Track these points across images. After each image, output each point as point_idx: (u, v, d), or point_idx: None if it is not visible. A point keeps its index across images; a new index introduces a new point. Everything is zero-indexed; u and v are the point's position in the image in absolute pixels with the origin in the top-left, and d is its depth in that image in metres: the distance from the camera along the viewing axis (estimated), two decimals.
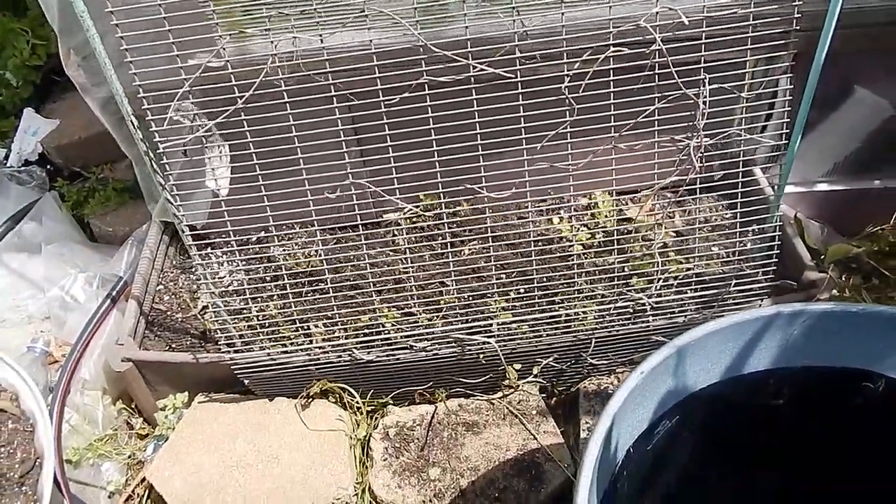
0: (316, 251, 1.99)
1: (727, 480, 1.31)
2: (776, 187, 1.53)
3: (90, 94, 1.82)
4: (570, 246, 1.93)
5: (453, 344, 1.70)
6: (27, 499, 1.29)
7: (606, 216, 2.02)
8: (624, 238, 1.90)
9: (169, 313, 2.04)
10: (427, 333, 1.69)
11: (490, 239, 1.62)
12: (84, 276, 2.20)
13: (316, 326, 1.80)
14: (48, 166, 2.69)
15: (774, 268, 1.63)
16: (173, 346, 1.92)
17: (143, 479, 1.77)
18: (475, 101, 1.42)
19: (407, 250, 1.68)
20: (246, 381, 1.76)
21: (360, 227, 1.70)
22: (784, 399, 1.19)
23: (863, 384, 1.15)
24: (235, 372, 1.71)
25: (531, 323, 1.74)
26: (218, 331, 1.70)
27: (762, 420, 1.22)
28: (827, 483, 1.28)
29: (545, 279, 1.80)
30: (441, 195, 1.54)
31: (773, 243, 1.61)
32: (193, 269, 2.16)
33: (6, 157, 2.74)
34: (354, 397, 1.80)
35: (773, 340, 1.12)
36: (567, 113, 1.42)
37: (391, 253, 1.95)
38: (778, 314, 1.08)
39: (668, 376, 1.08)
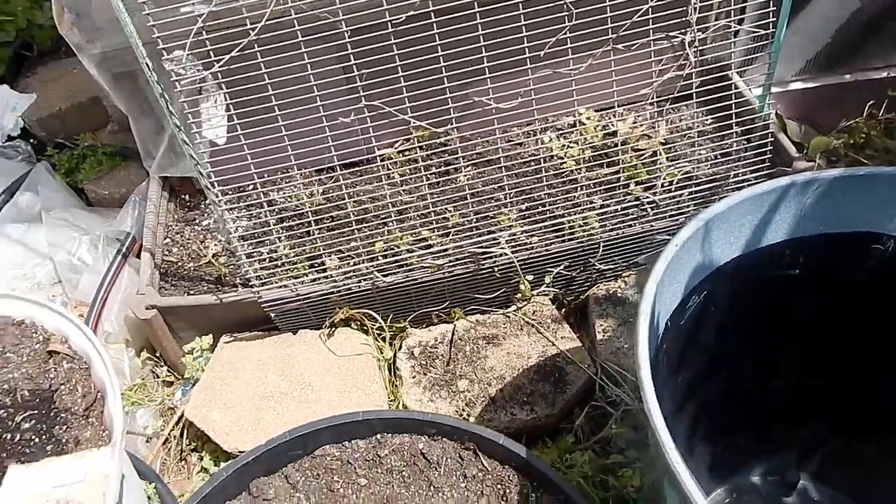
0: (315, 192, 2.04)
1: (750, 355, 1.40)
2: (766, 77, 1.60)
3: (85, 51, 1.82)
4: (562, 162, 2.00)
5: (469, 259, 1.77)
6: (94, 430, 1.34)
7: (594, 130, 2.08)
8: (614, 150, 1.97)
9: (180, 264, 2.07)
10: (442, 251, 1.75)
11: (488, 162, 1.68)
12: (88, 238, 2.21)
13: (330, 259, 1.84)
14: (31, 140, 2.67)
15: (770, 156, 1.72)
16: (190, 293, 1.95)
17: (179, 421, 1.82)
18: (478, 24, 1.46)
19: (404, 182, 1.73)
20: (272, 315, 1.80)
21: (362, 162, 1.76)
22: (800, 269, 1.28)
23: (873, 247, 1.24)
24: (263, 307, 1.76)
25: (539, 234, 1.81)
26: (248, 271, 1.74)
27: (781, 292, 1.31)
28: (843, 349, 1.38)
29: (545, 196, 1.86)
30: (435, 125, 1.59)
31: (766, 132, 1.69)
32: (198, 221, 2.20)
33: None
34: (377, 322, 1.86)
35: (788, 211, 1.20)
36: (566, 19, 1.47)
37: (388, 187, 2.00)
38: (792, 183, 1.16)
39: (697, 251, 1.15)
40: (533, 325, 1.88)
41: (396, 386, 1.81)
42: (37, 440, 1.34)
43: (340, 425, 1.29)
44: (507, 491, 1.23)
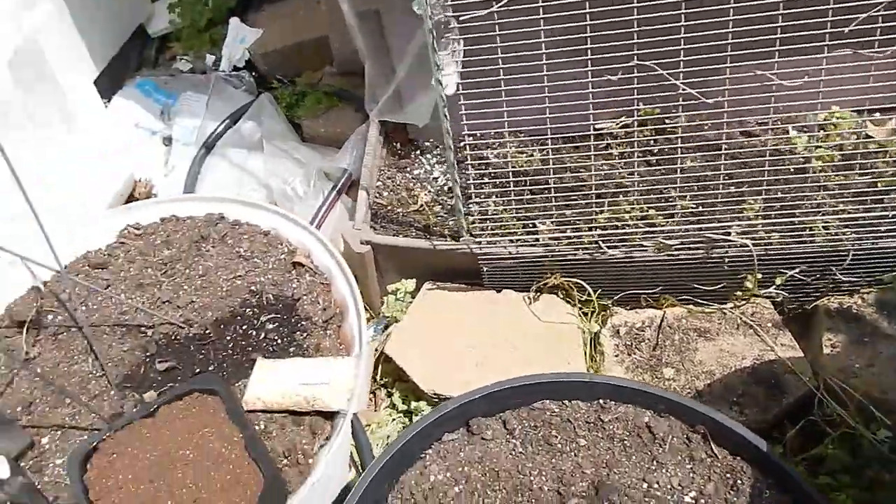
0: (536, 157, 2.00)
1: None
2: None
3: None
4: (805, 160, 1.85)
5: (700, 245, 1.67)
6: (332, 341, 1.38)
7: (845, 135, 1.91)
8: (868, 155, 1.80)
9: (390, 207, 2.10)
10: (675, 232, 1.66)
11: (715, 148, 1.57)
12: (303, 170, 2.30)
13: (544, 224, 1.80)
14: (253, 73, 2.82)
15: None
16: (397, 236, 1.98)
17: (379, 356, 1.85)
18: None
19: (625, 161, 1.65)
20: (484, 269, 1.79)
21: (578, 137, 1.71)
22: None
23: None
24: (479, 259, 1.75)
25: (781, 231, 1.68)
26: (463, 224, 1.73)
27: None
28: None
29: (784, 193, 1.72)
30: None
31: None
32: (409, 169, 2.23)
33: (217, 62, 2.88)
34: (585, 292, 1.80)
35: None
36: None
37: (610, 163, 1.93)
38: None
39: None
40: (751, 326, 1.76)
41: (597, 361, 1.75)
42: (279, 341, 1.39)
43: (564, 383, 1.25)
44: (739, 482, 1.13)
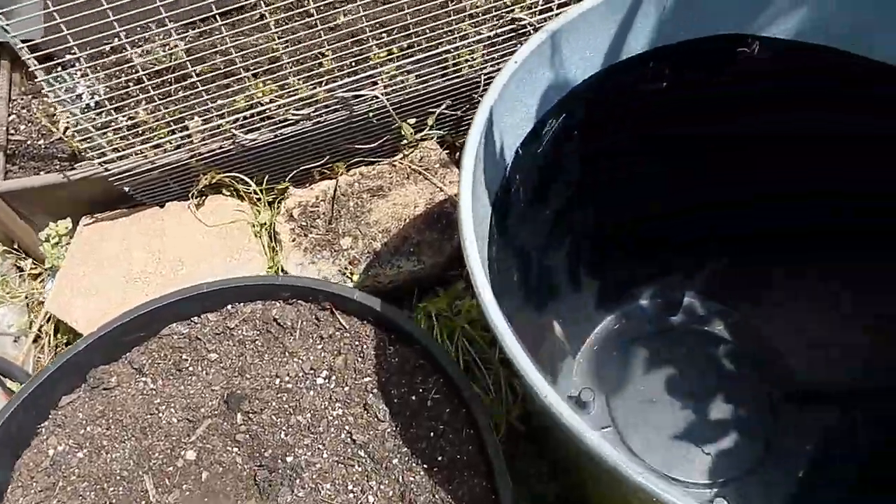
0: (178, 49, 1.82)
1: (623, 176, 1.31)
2: None
3: None
4: None
5: (339, 106, 1.61)
6: None
7: None
8: None
9: (29, 142, 1.87)
10: (307, 100, 1.58)
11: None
12: None
13: (192, 121, 1.67)
14: None
15: None
16: (41, 173, 1.77)
17: (47, 316, 1.70)
18: None
19: (278, 29, 1.52)
20: (127, 190, 1.64)
21: (226, 13, 1.54)
22: (666, 80, 1.16)
23: (738, 50, 1.12)
24: (113, 181, 1.60)
25: (417, 73, 1.65)
26: (86, 148, 1.56)
27: (650, 107, 1.20)
28: (720, 165, 1.30)
29: (426, 29, 1.68)
30: None
31: None
32: (45, 92, 1.97)
33: None
34: (249, 185, 1.72)
35: (647, 17, 1.06)
36: None
37: (261, 34, 1.79)
38: None
39: (546, 68, 1.02)
40: (420, 173, 1.76)
41: (277, 251, 1.70)
42: None
43: (184, 300, 1.18)
44: (364, 346, 1.15)
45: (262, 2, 1.76)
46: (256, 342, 1.18)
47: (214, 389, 1.13)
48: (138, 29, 1.95)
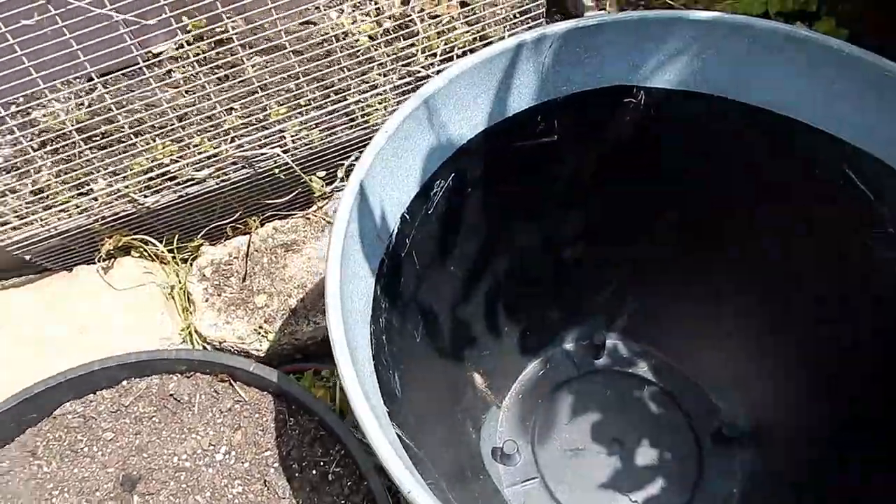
0: (79, 108, 1.78)
1: (527, 228, 1.32)
2: None
3: None
4: (356, 41, 1.81)
5: (243, 165, 1.59)
6: None
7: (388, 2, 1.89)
8: (410, 21, 1.79)
9: None
10: (209, 160, 1.56)
11: (277, 48, 1.47)
12: None
13: (95, 183, 1.63)
14: None
15: (544, 9, 1.58)
16: None
17: None
18: None
19: (183, 86, 1.50)
20: (28, 258, 1.60)
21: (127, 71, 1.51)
22: (557, 134, 1.18)
23: (625, 100, 1.14)
24: (12, 252, 1.55)
25: (323, 125, 1.64)
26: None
27: (542, 160, 1.21)
28: (619, 207, 1.32)
29: (335, 80, 1.68)
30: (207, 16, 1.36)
31: None
32: None
33: None
34: (157, 247, 1.69)
35: (527, 74, 1.07)
36: None
37: (166, 91, 1.76)
38: (522, 43, 1.02)
39: (426, 132, 1.02)
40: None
41: (190, 312, 1.66)
42: None
43: (77, 378, 1.15)
44: (264, 419, 1.13)
45: (169, 59, 1.75)
46: (154, 419, 1.15)
47: (109, 471, 1.09)
48: (43, 88, 1.91)
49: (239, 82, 1.71)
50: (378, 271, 0.97)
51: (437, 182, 1.09)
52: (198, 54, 1.69)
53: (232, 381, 1.16)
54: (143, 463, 1.09)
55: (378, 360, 0.89)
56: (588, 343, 1.59)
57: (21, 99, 1.74)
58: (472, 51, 1.70)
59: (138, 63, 1.39)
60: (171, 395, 1.15)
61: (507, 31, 1.77)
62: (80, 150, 1.51)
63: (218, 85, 1.72)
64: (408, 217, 1.05)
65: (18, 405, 1.11)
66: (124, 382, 1.17)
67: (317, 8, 1.91)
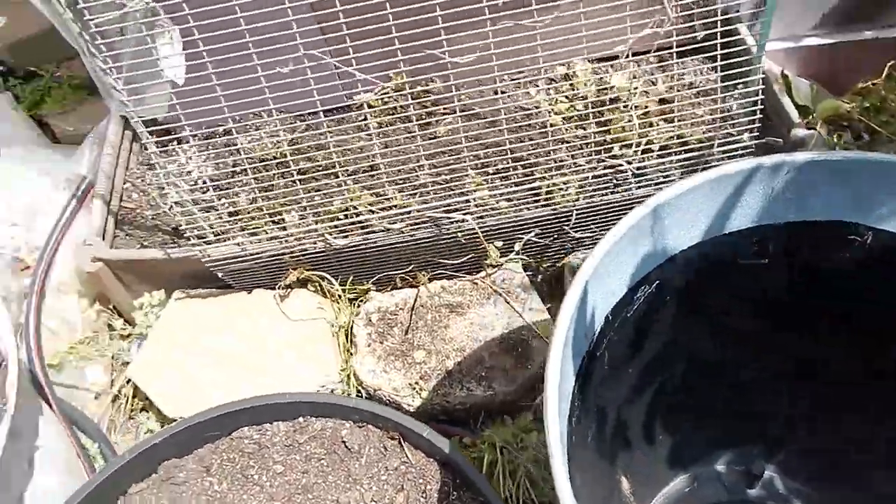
0: (283, 140, 1.91)
1: (713, 344, 1.29)
2: (759, 37, 1.43)
3: None
4: (547, 119, 1.85)
5: (430, 224, 1.65)
6: None
7: (585, 85, 1.92)
8: (605, 108, 1.81)
9: (138, 211, 1.98)
10: (402, 214, 1.63)
11: (465, 115, 1.54)
12: (49, 178, 2.12)
13: (289, 215, 1.73)
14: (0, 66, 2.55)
15: (758, 125, 1.56)
16: (145, 243, 1.86)
17: (128, 379, 1.76)
18: None
19: (379, 133, 1.59)
20: (220, 274, 1.71)
21: (332, 111, 1.62)
22: (770, 258, 1.15)
23: (850, 237, 1.10)
24: (208, 266, 1.67)
25: (510, 198, 1.68)
26: (187, 227, 1.64)
27: (748, 281, 1.18)
28: (816, 338, 1.26)
29: (524, 154, 1.72)
30: (411, 72, 1.45)
31: (756, 99, 1.53)
32: (156, 166, 2.09)
33: None
34: (333, 285, 1.76)
35: (754, 196, 1.06)
36: None
37: (363, 137, 1.86)
38: (758, 167, 1.01)
39: (646, 238, 1.03)
40: (501, 294, 1.77)
41: (351, 353, 1.72)
42: None
43: (261, 407, 1.21)
44: (429, 487, 1.14)
45: (366, 104, 1.84)
46: (322, 461, 1.19)
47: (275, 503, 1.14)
48: (252, 116, 2.06)
49: (430, 141, 1.78)
50: (578, 370, 0.97)
51: (643, 287, 1.09)
52: (394, 108, 1.78)
53: (402, 441, 1.19)
54: (307, 503, 1.13)
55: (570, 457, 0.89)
56: (743, 470, 1.52)
57: (229, 122, 1.87)
58: (664, 148, 1.71)
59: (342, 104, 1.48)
60: (343, 441, 1.19)
61: (704, 132, 1.76)
62: (276, 181, 1.61)
63: (408, 134, 1.80)
64: (610, 318, 1.05)
65: (202, 423, 1.18)
66: (300, 419, 1.22)
67: (515, 83, 1.98)
